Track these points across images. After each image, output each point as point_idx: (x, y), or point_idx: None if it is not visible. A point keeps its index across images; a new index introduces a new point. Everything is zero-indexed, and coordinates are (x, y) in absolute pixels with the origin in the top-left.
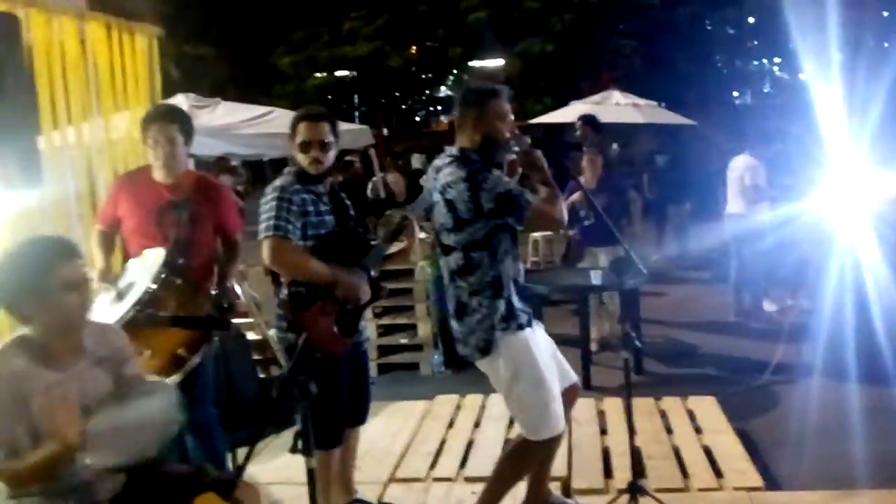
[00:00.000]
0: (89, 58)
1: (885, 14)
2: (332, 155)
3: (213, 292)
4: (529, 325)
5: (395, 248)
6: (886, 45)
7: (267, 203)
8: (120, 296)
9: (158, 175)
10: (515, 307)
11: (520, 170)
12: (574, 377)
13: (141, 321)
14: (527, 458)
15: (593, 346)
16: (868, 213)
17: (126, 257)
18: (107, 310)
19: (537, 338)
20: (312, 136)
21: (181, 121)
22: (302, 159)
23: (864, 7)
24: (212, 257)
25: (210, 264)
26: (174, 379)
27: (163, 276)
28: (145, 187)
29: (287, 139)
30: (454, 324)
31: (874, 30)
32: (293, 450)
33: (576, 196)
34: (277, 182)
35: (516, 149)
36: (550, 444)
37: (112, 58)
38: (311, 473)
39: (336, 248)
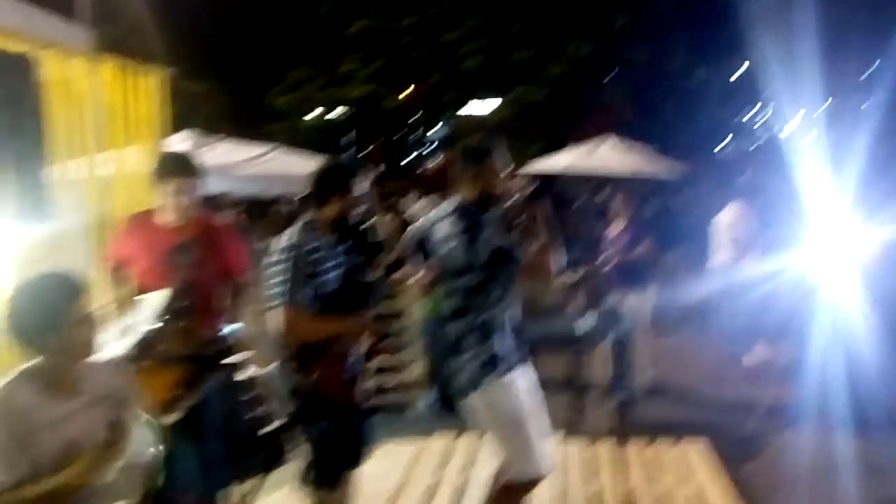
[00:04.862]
0: (100, 96)
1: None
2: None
3: (217, 333)
4: (518, 365)
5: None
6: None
7: (281, 263)
8: (124, 333)
9: (167, 218)
10: (501, 351)
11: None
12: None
13: (142, 359)
14: (515, 496)
15: None
16: (852, 267)
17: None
18: (111, 345)
19: (522, 380)
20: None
21: (196, 173)
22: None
23: (846, 63)
24: (214, 298)
25: (212, 305)
26: (174, 417)
27: (166, 317)
28: (153, 230)
29: (285, 180)
30: (449, 360)
31: (855, 85)
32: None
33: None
34: (294, 238)
35: (510, 202)
36: (535, 484)
37: (125, 96)
38: None
39: (342, 299)
